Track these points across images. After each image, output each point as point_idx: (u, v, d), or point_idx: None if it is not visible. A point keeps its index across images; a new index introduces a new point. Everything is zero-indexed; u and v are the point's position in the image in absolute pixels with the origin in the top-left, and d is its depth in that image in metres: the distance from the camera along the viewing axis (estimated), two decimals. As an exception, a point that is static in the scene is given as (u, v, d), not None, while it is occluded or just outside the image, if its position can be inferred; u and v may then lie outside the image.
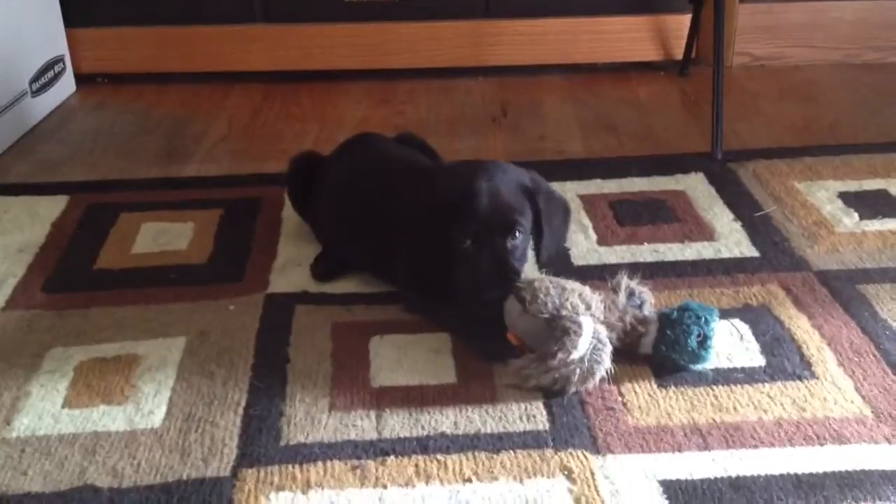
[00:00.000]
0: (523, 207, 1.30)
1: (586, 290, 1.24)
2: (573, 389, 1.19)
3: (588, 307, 1.21)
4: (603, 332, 1.20)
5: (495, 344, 1.26)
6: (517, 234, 1.29)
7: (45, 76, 2.21)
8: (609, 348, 1.19)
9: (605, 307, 1.23)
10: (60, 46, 2.29)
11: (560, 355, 1.16)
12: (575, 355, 1.16)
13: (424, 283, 1.35)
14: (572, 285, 1.24)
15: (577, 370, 1.17)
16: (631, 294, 1.28)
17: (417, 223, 1.33)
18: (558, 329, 1.18)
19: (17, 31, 2.10)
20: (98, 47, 2.35)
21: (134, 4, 2.34)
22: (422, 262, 1.35)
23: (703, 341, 1.22)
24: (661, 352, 1.23)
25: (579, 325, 1.17)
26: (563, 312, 1.20)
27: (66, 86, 2.31)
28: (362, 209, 1.46)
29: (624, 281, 1.29)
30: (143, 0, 2.34)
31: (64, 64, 2.30)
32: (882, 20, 2.39)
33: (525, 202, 1.31)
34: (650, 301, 1.29)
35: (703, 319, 1.22)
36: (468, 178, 1.30)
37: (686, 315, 1.22)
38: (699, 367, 1.24)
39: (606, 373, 1.19)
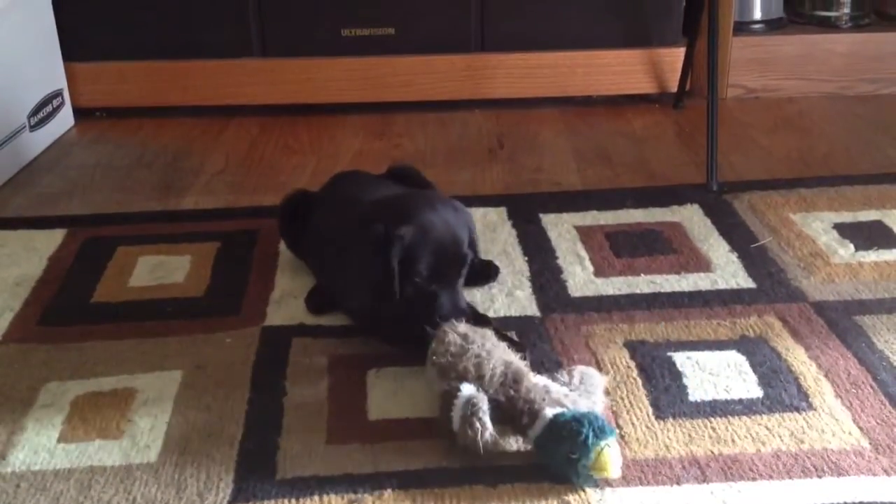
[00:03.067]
0: (466, 238, 1.32)
1: (495, 356, 1.18)
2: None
3: (480, 377, 1.17)
4: (482, 404, 1.13)
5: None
6: (465, 267, 1.31)
7: (44, 110, 2.22)
8: (484, 418, 1.12)
9: (505, 381, 1.16)
10: (59, 80, 2.30)
11: (440, 415, 1.16)
12: (454, 425, 1.13)
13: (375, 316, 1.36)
14: (480, 349, 1.19)
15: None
16: (581, 379, 1.20)
17: (365, 260, 1.31)
18: (440, 392, 1.18)
19: (16, 66, 2.11)
20: (96, 81, 2.37)
21: (132, 39, 2.35)
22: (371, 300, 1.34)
23: (575, 461, 1.07)
24: (540, 450, 1.13)
25: (455, 394, 1.15)
26: (452, 374, 1.18)
27: (64, 120, 2.32)
28: (327, 250, 1.46)
29: (579, 369, 1.22)
30: (142, 34, 2.35)
31: (62, 98, 2.31)
32: (874, 53, 2.41)
33: (466, 232, 1.33)
34: (601, 386, 1.20)
35: (582, 437, 1.07)
36: (417, 211, 1.30)
37: (567, 426, 1.09)
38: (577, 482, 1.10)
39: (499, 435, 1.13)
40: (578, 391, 1.17)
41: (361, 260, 1.32)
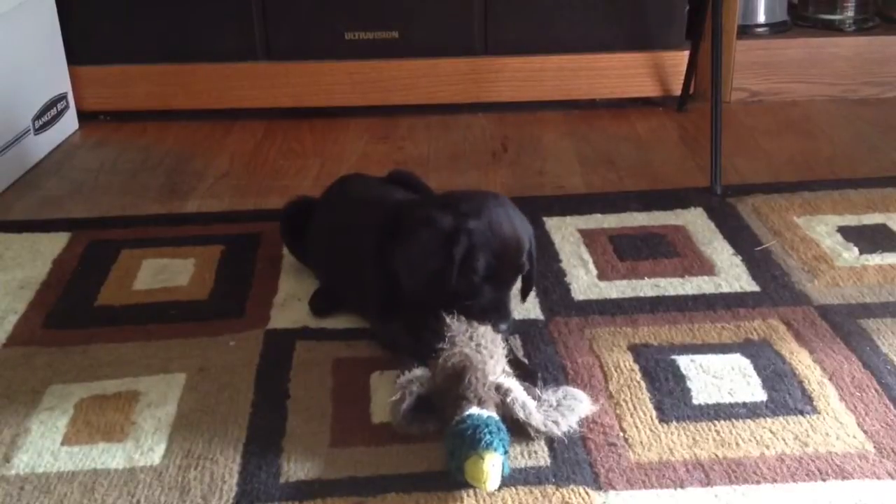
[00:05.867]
0: (527, 247, 1.31)
1: (459, 348, 1.19)
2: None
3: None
4: (415, 383, 1.18)
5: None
6: (519, 275, 1.31)
7: (48, 114, 2.22)
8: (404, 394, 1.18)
9: (452, 372, 1.17)
10: (63, 84, 2.31)
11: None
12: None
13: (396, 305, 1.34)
14: (450, 340, 1.21)
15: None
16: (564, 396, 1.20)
17: (427, 249, 1.29)
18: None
19: (21, 69, 2.12)
20: (101, 85, 2.37)
21: (136, 42, 2.36)
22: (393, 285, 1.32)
23: (455, 460, 1.09)
24: (445, 441, 1.13)
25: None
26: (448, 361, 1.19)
27: (68, 123, 2.32)
28: (339, 250, 1.46)
29: (565, 389, 1.22)
30: (146, 38, 2.36)
31: (67, 101, 2.32)
32: (878, 56, 2.41)
33: (526, 240, 1.32)
34: (581, 410, 1.20)
35: (468, 438, 1.08)
36: (488, 209, 1.29)
37: (464, 426, 1.10)
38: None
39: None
40: (554, 411, 1.17)
41: (421, 248, 1.28)
